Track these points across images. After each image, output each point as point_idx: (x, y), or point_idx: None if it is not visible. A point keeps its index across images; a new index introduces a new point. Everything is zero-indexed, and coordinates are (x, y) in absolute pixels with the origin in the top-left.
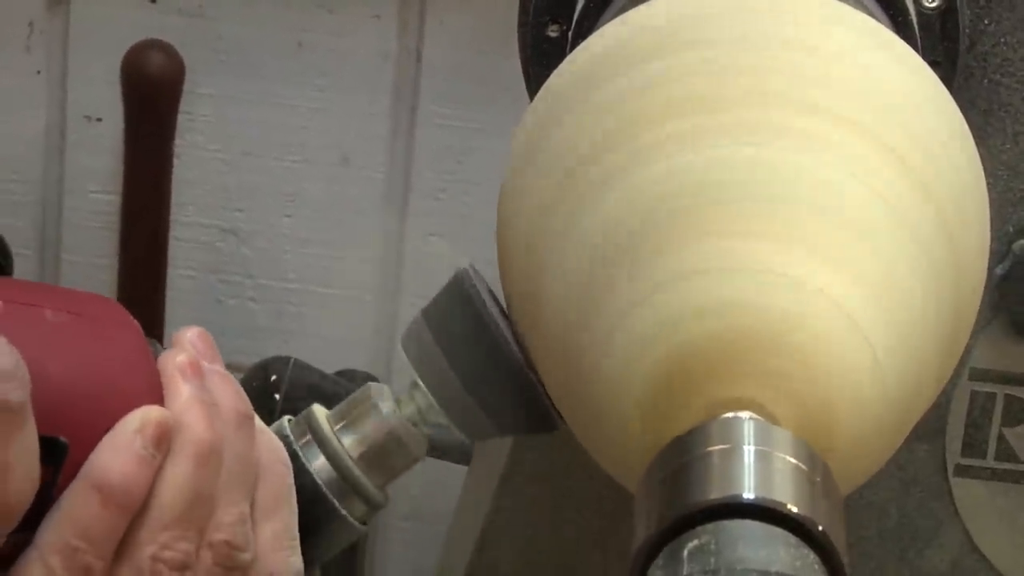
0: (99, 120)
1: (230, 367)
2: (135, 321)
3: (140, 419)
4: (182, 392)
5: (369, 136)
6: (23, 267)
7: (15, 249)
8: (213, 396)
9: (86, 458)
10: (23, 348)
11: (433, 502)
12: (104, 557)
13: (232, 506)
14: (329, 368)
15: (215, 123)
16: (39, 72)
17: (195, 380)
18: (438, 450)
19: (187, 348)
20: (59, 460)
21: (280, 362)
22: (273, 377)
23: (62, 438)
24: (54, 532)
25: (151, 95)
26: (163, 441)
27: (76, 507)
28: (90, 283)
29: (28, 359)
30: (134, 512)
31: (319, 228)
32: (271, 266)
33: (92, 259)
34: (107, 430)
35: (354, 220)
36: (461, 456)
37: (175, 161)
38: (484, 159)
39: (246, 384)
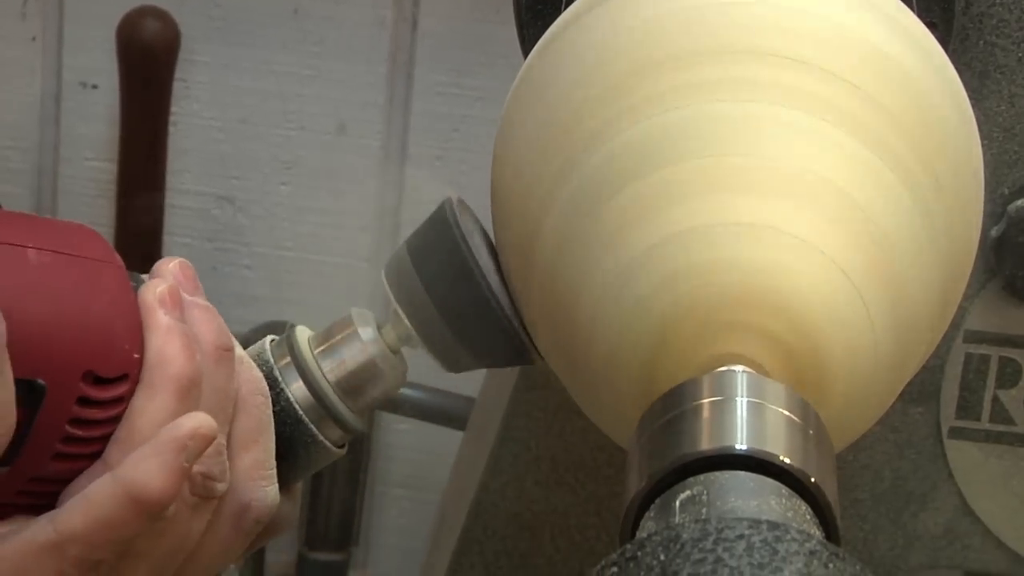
0: (95, 87)
1: None
2: (118, 256)
3: (190, 430)
4: (161, 323)
5: (365, 103)
6: None
7: None
8: (193, 329)
9: (63, 398)
10: (4, 291)
11: (429, 469)
12: (118, 553)
13: None
14: None
15: (211, 90)
16: (34, 39)
17: (175, 311)
18: (433, 415)
19: (168, 279)
20: (37, 403)
21: (276, 328)
22: None
23: (40, 380)
24: (80, 525)
25: (147, 62)
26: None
27: (109, 510)
28: None
29: (9, 302)
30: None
31: (315, 196)
32: (267, 234)
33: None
34: (86, 371)
35: (351, 188)
36: (456, 422)
37: (171, 129)
38: (481, 126)
39: None
